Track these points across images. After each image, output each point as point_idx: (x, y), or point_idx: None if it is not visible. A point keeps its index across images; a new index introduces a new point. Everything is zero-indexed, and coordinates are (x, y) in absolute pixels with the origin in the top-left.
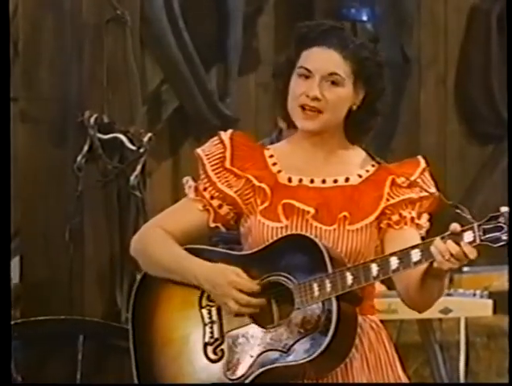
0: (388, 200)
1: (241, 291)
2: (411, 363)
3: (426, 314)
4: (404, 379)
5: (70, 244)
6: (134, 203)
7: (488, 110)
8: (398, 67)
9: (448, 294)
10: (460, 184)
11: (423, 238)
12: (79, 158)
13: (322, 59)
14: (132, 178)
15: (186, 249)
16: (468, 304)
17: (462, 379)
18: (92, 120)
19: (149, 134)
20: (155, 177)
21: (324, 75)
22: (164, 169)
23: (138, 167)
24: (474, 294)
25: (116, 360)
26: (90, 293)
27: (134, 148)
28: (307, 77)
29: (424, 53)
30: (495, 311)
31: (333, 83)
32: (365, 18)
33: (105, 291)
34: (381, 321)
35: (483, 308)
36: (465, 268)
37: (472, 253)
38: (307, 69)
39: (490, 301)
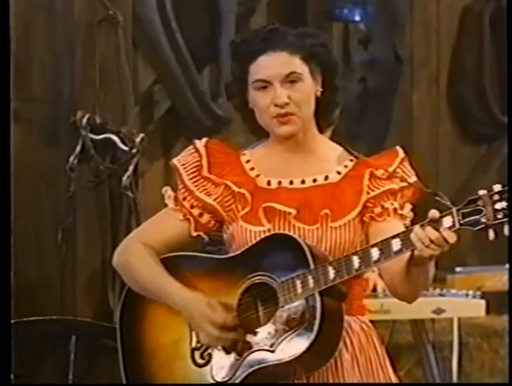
0: (368, 193)
1: (213, 325)
2: (404, 364)
3: (418, 315)
4: (395, 381)
5: (62, 244)
6: (126, 203)
7: (481, 110)
8: (391, 68)
9: (441, 295)
10: (453, 184)
11: (407, 228)
12: (71, 159)
13: (273, 64)
14: (124, 178)
15: (170, 257)
16: (460, 304)
17: (455, 380)
18: (84, 120)
19: (141, 135)
20: (148, 177)
21: (281, 78)
22: (156, 169)
23: (131, 168)
24: (467, 295)
25: (108, 360)
26: (82, 294)
27: (126, 148)
28: (265, 88)
29: (417, 53)
30: (488, 311)
31: (293, 82)
32: (357, 18)
33: (97, 292)
34: (374, 321)
35: (476, 308)
36: (458, 269)
37: (451, 238)
38: (263, 80)
39: (483, 302)
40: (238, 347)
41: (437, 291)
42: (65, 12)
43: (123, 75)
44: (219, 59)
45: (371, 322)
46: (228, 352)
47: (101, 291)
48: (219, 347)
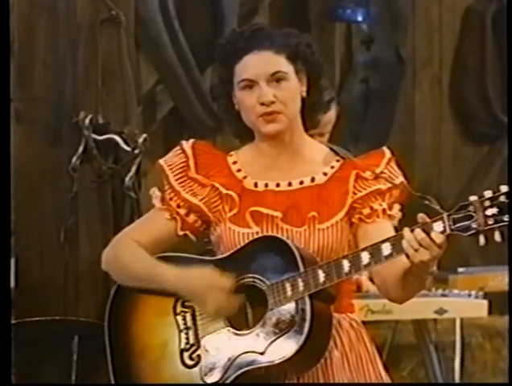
0: (355, 194)
1: (221, 290)
2: (406, 364)
3: (421, 315)
4: (385, 378)
5: (65, 244)
6: (128, 203)
7: (483, 110)
8: (393, 68)
9: (443, 295)
10: (455, 184)
11: (395, 228)
12: (74, 159)
13: (259, 63)
14: (127, 178)
15: (160, 257)
16: (463, 304)
17: (457, 380)
18: (86, 120)
19: (144, 135)
20: (150, 178)
21: (267, 77)
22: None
23: (133, 168)
24: (469, 295)
25: None
26: (85, 294)
27: (128, 149)
28: (251, 87)
29: (419, 54)
30: (490, 312)
31: (279, 80)
32: (360, 18)
33: (99, 292)
34: (376, 321)
35: (478, 308)
36: (460, 269)
37: (438, 238)
38: (248, 80)
39: (485, 302)
40: (242, 320)
41: (439, 291)
42: (68, 12)
43: (126, 75)
44: None
45: (373, 322)
46: (232, 326)
47: (103, 291)
48: (211, 347)
